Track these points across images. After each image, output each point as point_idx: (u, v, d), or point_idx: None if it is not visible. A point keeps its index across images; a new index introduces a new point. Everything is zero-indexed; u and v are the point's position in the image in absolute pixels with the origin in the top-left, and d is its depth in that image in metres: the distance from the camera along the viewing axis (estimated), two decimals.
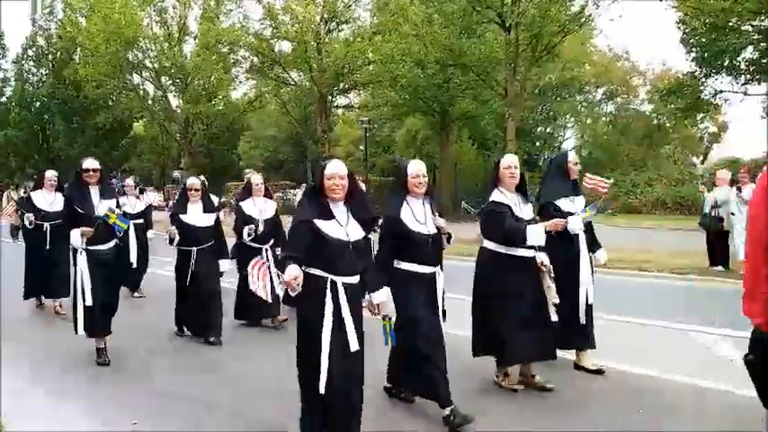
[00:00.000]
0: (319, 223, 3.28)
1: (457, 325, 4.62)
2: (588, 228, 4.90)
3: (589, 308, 4.83)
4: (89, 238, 5.13)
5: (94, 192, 5.32)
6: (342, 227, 3.33)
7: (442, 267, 4.18)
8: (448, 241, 4.21)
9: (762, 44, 19.79)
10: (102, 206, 5.27)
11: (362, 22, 27.31)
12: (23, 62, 36.64)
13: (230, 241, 6.73)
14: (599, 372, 4.82)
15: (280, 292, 3.16)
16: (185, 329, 6.40)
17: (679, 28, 21.70)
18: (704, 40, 20.58)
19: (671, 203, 28.16)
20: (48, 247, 7.35)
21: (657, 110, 36.95)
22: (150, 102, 31.20)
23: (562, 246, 4.68)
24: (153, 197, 14.04)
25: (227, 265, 6.39)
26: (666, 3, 19.53)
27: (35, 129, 36.97)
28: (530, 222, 4.44)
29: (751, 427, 3.85)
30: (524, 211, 4.50)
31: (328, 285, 3.26)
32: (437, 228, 4.10)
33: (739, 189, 9.87)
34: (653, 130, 39.26)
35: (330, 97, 27.32)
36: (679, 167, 34.99)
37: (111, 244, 5.37)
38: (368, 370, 3.51)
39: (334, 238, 3.27)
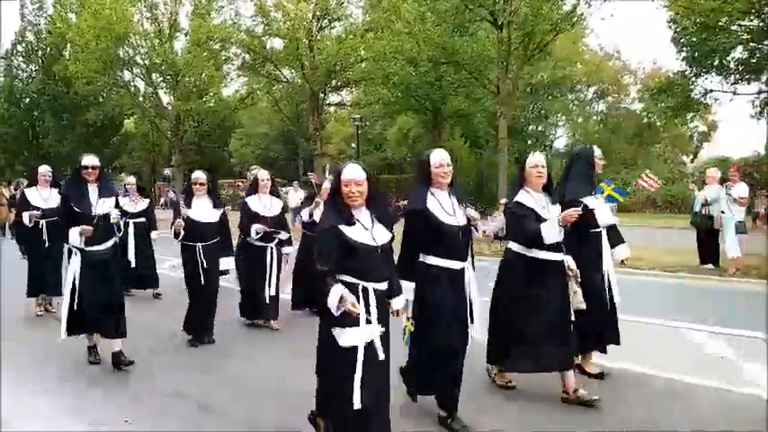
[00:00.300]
0: (344, 229, 3.14)
1: None
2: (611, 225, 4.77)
3: (613, 307, 4.76)
4: (87, 237, 4.98)
5: (93, 190, 5.15)
6: (367, 231, 3.20)
7: (473, 263, 3.97)
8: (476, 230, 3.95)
9: (751, 44, 19.95)
10: (100, 205, 5.10)
11: (355, 20, 27.27)
12: (12, 58, 36.21)
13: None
14: (599, 376, 4.77)
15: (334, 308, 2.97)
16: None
17: (670, 27, 21.84)
18: (695, 39, 20.72)
19: (661, 202, 28.39)
20: (47, 245, 7.24)
21: (648, 108, 37.18)
22: (141, 98, 30.99)
23: (584, 245, 4.55)
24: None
25: (230, 264, 6.28)
26: (658, 2, 19.67)
27: (24, 125, 36.61)
28: None
29: (745, 424, 3.92)
30: (552, 211, 4.27)
31: (360, 292, 3.13)
32: (467, 219, 3.86)
33: (729, 188, 10.00)
34: (643, 129, 39.54)
35: (322, 95, 27.27)
36: (669, 166, 35.32)
37: (109, 244, 5.21)
38: None
39: (361, 244, 3.14)
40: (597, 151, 4.86)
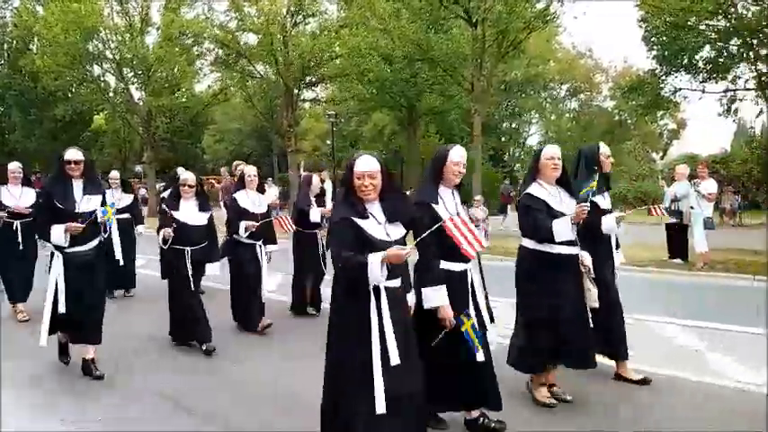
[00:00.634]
0: (359, 222, 2.97)
1: None
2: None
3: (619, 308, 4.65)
4: (80, 232, 4.59)
5: (77, 186, 4.78)
6: (380, 225, 3.03)
7: (480, 264, 3.78)
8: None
9: (718, 44, 20.35)
10: (85, 202, 4.74)
11: (329, 16, 27.11)
12: None
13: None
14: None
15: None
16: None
17: (641, 26, 22.17)
18: (665, 38, 21.08)
19: (632, 198, 28.82)
20: (21, 247, 6.95)
21: (619, 106, 37.86)
22: (111, 94, 30.38)
23: (600, 245, 4.41)
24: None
25: (215, 270, 5.96)
26: (631, 2, 19.92)
27: None
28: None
29: (723, 416, 3.99)
30: (567, 205, 4.09)
31: (371, 290, 2.94)
32: (471, 219, 3.71)
33: (697, 184, 10.20)
34: (615, 127, 40.20)
35: (296, 91, 27.04)
36: (640, 163, 35.90)
37: (94, 243, 4.85)
38: None
39: (376, 238, 2.96)
40: (603, 149, 4.67)
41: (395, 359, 2.88)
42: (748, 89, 21.37)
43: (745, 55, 19.37)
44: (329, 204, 7.47)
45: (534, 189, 4.13)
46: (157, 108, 27.84)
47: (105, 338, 5.02)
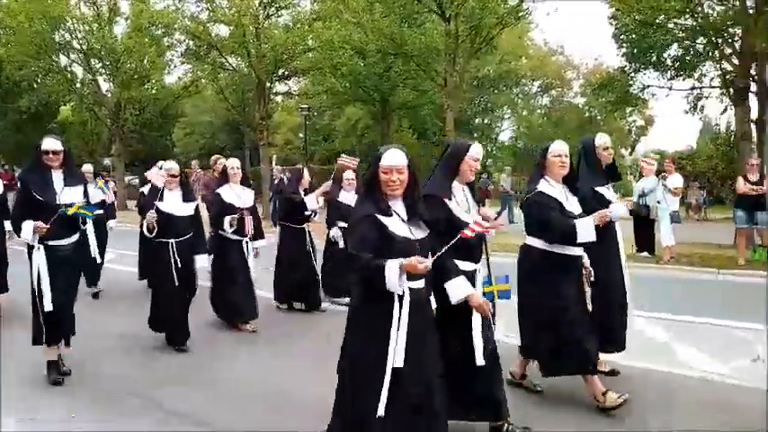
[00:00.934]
0: (382, 219, 2.83)
1: None
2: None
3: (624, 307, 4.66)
4: (45, 233, 4.43)
5: (57, 177, 4.58)
6: (404, 223, 2.89)
7: (488, 264, 3.69)
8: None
9: (685, 42, 20.72)
10: (65, 193, 4.56)
11: (302, 8, 26.87)
12: None
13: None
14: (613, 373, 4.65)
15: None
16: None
17: (611, 23, 22.45)
18: (634, 36, 21.38)
19: None
20: None
21: (590, 103, 38.36)
22: (79, 85, 29.69)
23: (608, 239, 4.35)
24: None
25: (204, 261, 5.82)
26: (602, 1, 20.16)
27: None
28: (577, 218, 3.94)
29: (698, 407, 4.10)
30: (573, 204, 4.04)
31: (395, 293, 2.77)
32: (484, 219, 3.56)
33: (664, 178, 10.45)
34: (585, 123, 40.67)
35: (269, 84, 26.72)
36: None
37: (74, 238, 4.69)
38: None
39: (399, 236, 2.84)
40: (600, 141, 4.55)
41: (399, 362, 2.78)
42: (713, 87, 21.83)
43: (710, 53, 19.77)
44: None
45: (545, 187, 4.02)
46: (126, 100, 27.33)
47: (79, 336, 4.93)
